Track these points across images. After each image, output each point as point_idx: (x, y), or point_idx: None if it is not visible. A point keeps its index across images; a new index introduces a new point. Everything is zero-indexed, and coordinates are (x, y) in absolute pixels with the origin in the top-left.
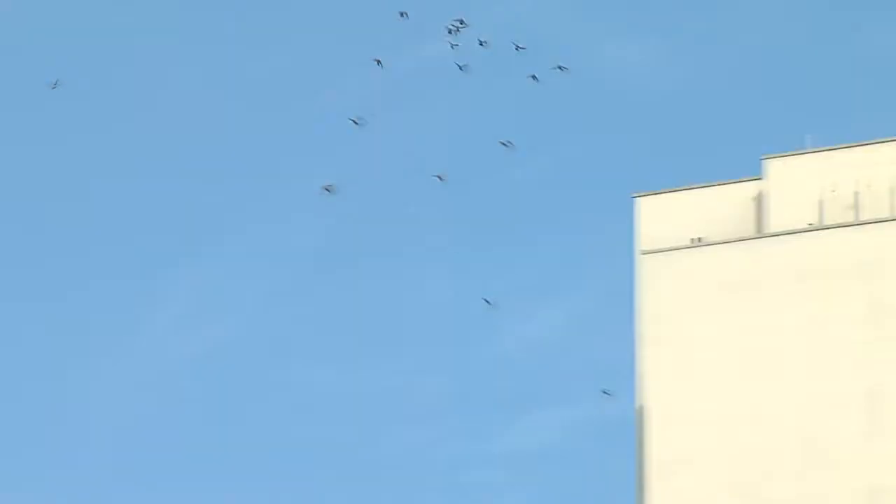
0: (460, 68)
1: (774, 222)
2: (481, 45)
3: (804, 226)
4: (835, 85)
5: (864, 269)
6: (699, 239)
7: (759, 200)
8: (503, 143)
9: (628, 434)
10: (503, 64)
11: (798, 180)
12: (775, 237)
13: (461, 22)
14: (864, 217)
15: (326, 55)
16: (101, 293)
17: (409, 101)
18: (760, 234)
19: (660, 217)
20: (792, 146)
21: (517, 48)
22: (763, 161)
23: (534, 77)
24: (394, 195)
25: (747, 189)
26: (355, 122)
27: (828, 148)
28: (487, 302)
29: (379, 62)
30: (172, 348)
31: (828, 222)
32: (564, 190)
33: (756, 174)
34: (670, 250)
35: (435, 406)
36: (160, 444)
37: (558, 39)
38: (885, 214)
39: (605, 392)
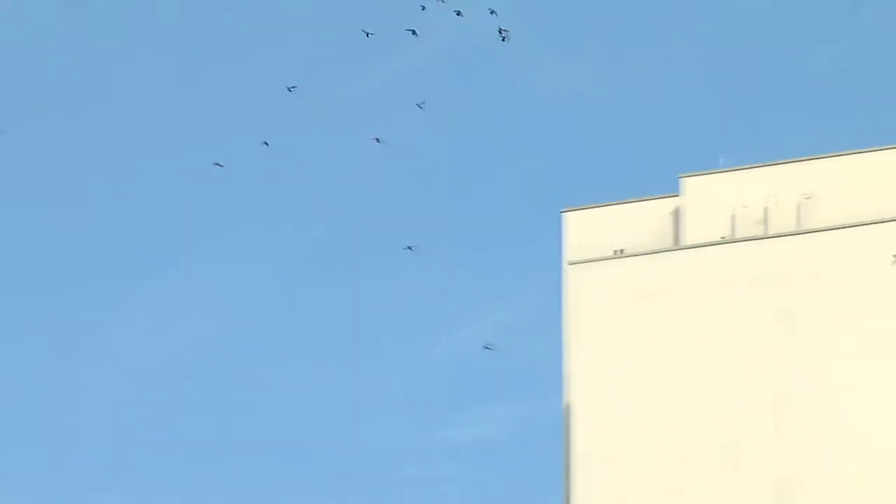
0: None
1: (690, 235)
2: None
3: (717, 239)
4: (746, 108)
5: (772, 280)
6: (621, 251)
7: (677, 215)
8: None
9: (557, 431)
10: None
11: (712, 197)
12: (690, 249)
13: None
14: (772, 231)
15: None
16: (93, 292)
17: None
18: (677, 246)
19: (586, 230)
20: (707, 165)
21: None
22: (680, 179)
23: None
24: (350, 207)
25: (666, 205)
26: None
27: (739, 167)
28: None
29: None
30: (153, 347)
31: (739, 236)
32: (501, 204)
33: (674, 191)
34: (594, 261)
35: (387, 403)
36: (144, 441)
37: (492, 61)
38: (792, 229)
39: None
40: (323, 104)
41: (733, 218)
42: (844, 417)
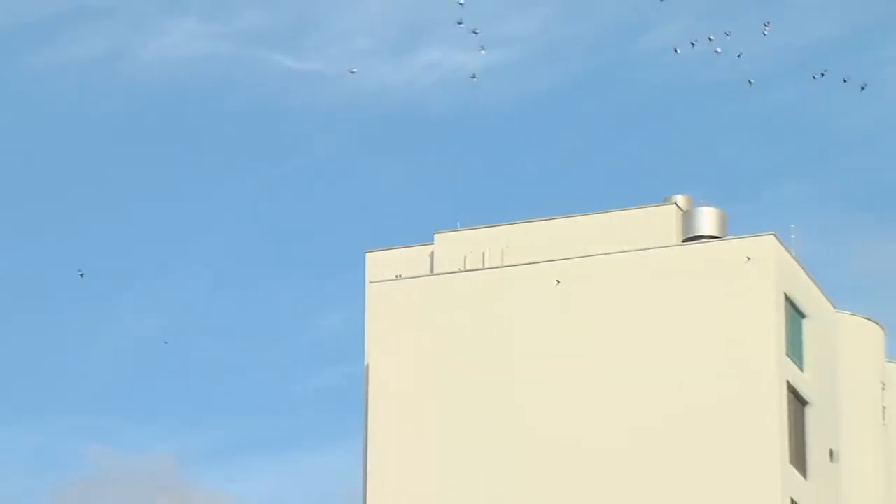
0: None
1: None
2: None
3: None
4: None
5: (482, 295)
6: (399, 275)
7: (432, 256)
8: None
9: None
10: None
11: (453, 246)
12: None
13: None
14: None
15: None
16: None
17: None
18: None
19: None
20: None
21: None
22: (435, 234)
23: None
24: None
25: (425, 249)
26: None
27: (475, 227)
28: None
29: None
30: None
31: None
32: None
33: (430, 241)
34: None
35: None
36: None
37: None
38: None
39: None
40: None
41: (465, 259)
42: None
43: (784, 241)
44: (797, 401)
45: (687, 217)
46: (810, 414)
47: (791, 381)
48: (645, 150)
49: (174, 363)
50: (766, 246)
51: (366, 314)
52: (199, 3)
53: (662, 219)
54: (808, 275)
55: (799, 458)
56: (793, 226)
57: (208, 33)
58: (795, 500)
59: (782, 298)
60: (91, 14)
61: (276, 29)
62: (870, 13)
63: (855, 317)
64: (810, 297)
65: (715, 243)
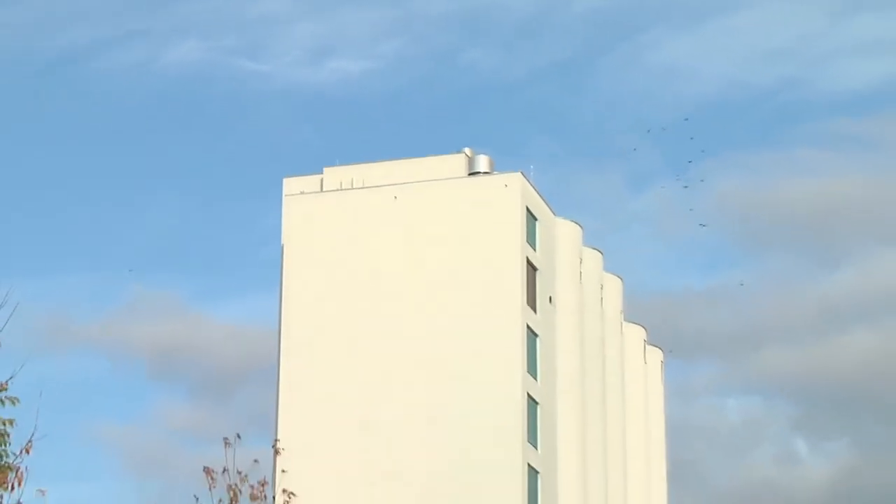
0: None
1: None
2: None
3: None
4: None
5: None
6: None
7: (322, 181)
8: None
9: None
10: None
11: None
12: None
13: None
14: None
15: None
16: None
17: None
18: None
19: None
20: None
21: None
22: (324, 168)
23: None
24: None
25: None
26: None
27: (347, 164)
28: None
29: None
30: None
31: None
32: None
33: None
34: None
35: None
36: None
37: None
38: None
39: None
40: None
41: (340, 182)
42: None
43: (527, 176)
44: (531, 267)
45: (471, 161)
46: (538, 275)
47: (529, 257)
48: (453, 121)
49: None
50: (515, 178)
51: (282, 215)
52: (196, 30)
53: (457, 162)
54: (540, 195)
55: (531, 301)
56: (532, 167)
57: (203, 48)
58: (530, 325)
59: (524, 209)
60: (132, 35)
61: (243, 44)
62: None
63: (564, 219)
64: (540, 208)
65: (487, 177)
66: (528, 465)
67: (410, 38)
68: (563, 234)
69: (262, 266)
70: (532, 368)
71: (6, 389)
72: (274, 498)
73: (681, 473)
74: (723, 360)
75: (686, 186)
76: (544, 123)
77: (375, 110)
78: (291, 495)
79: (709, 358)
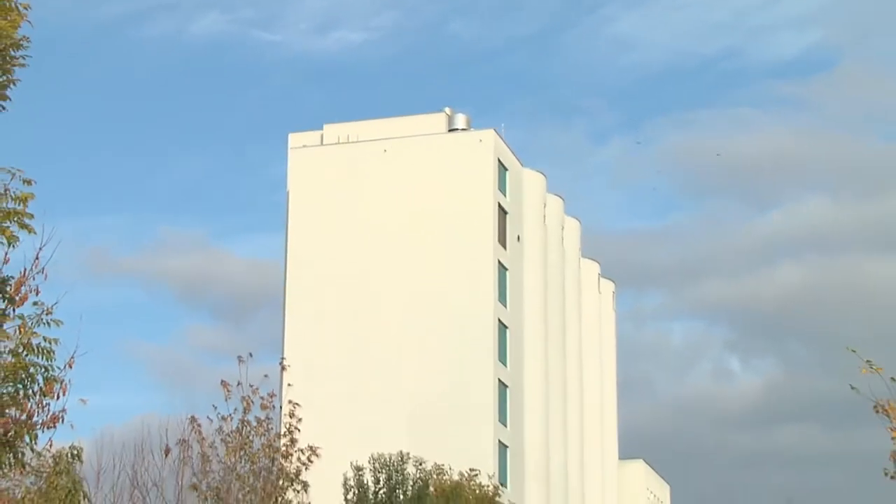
0: None
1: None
2: None
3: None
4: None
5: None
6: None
7: (322, 137)
8: None
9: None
10: None
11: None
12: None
13: None
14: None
15: None
16: None
17: None
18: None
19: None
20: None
21: None
22: (324, 125)
23: None
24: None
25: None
26: None
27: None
28: None
29: None
30: None
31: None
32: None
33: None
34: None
35: None
36: None
37: None
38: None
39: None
40: None
41: (338, 137)
42: None
43: (500, 132)
44: (501, 211)
45: (451, 119)
46: (508, 218)
47: (500, 202)
48: (438, 84)
49: None
50: (489, 134)
51: (288, 165)
52: (218, 4)
53: (439, 120)
54: (510, 149)
55: (501, 239)
56: (503, 124)
57: (224, 20)
58: (501, 261)
59: (496, 160)
60: (163, 8)
61: (259, 17)
62: None
63: (531, 170)
64: (510, 160)
65: (464, 133)
66: (499, 380)
67: (404, 12)
68: (529, 182)
69: (272, 209)
70: (502, 297)
71: (51, 313)
72: (281, 407)
73: (630, 387)
74: (668, 290)
75: (639, 143)
76: (517, 86)
77: (371, 74)
78: (296, 405)
79: (656, 288)
